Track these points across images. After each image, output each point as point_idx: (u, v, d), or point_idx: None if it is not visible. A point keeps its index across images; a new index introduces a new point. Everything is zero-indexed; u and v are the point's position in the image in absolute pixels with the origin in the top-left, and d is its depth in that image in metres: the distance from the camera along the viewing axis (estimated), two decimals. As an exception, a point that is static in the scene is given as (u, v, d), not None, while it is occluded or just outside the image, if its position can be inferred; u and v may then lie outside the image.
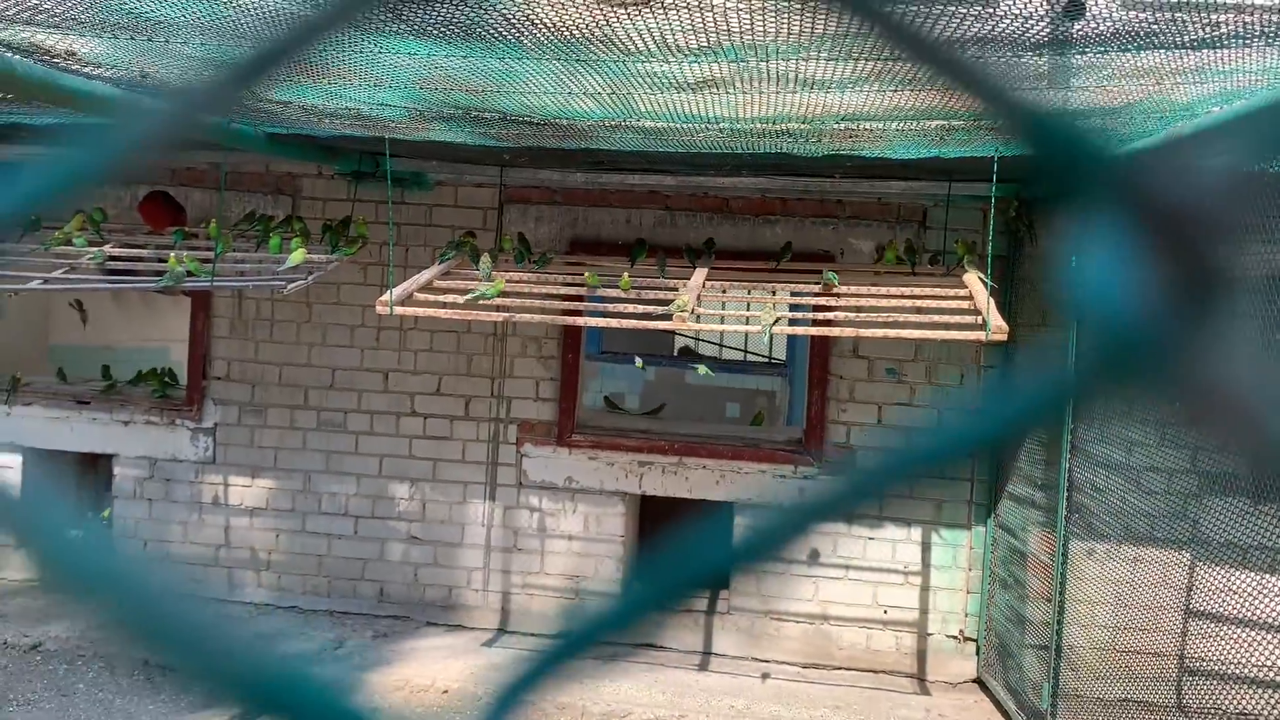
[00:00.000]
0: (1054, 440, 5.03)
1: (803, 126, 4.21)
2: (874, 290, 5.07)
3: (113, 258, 5.63)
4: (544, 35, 3.10)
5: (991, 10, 2.78)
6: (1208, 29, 2.81)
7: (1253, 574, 3.81)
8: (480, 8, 2.89)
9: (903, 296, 4.95)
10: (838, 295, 5.07)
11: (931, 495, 6.13)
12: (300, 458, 6.63)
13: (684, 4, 2.79)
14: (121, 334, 8.50)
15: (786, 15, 2.82)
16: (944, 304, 4.78)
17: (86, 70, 3.80)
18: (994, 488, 5.99)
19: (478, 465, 6.50)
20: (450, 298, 4.96)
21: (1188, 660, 4.39)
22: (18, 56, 3.46)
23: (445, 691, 5.47)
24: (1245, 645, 3.85)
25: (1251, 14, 2.71)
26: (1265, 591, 3.69)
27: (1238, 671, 3.89)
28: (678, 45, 3.13)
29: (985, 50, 3.04)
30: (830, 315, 5.16)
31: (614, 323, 4.96)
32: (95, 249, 5.58)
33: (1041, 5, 2.76)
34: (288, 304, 6.51)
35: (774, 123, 4.16)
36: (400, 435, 6.55)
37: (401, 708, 5.30)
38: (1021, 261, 5.74)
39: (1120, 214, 0.35)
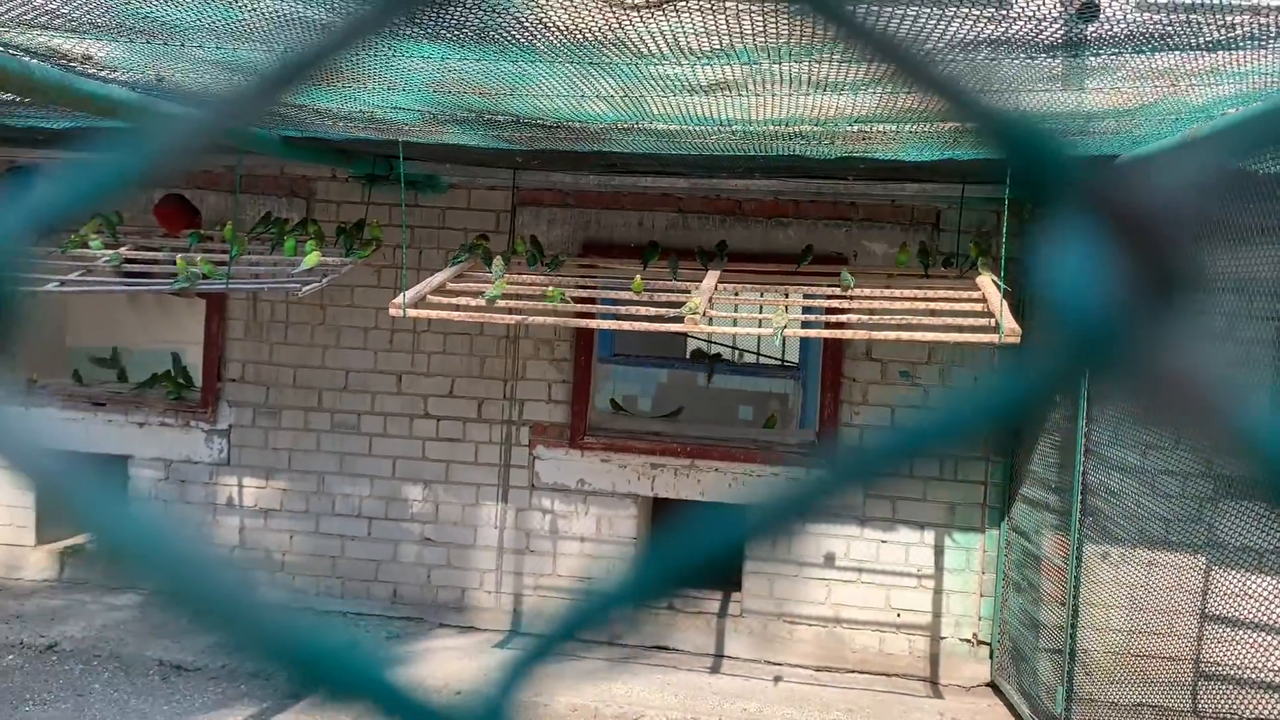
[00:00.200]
0: (1068, 443, 5.01)
1: (815, 129, 4.21)
2: (887, 293, 5.06)
3: (128, 260, 5.67)
4: (557, 38, 3.11)
5: (1005, 12, 2.77)
6: (1223, 30, 2.80)
7: (1269, 578, 3.79)
8: (494, 11, 2.90)
9: (916, 299, 4.94)
10: (850, 298, 5.06)
11: (945, 498, 6.11)
12: (314, 459, 6.66)
13: (696, 6, 2.79)
14: (137, 336, 8.54)
15: (799, 17, 2.82)
16: (957, 306, 4.76)
17: (103, 74, 3.83)
18: (1007, 491, 5.97)
19: (490, 467, 6.51)
20: (463, 300, 4.97)
21: (1203, 665, 4.36)
22: (35, 60, 3.49)
23: (458, 693, 5.48)
24: (1261, 650, 3.83)
25: (1267, 15, 2.70)
26: (1281, 596, 3.67)
27: (1253, 676, 3.87)
28: (690, 48, 3.13)
29: (999, 52, 3.04)
30: (843, 318, 5.16)
31: (626, 325, 4.96)
32: (111, 251, 5.62)
33: (1055, 7, 2.75)
34: (302, 306, 6.54)
35: (787, 125, 4.16)
36: (413, 437, 6.57)
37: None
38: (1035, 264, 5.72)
39: (1084, 214, 0.37)
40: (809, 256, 5.82)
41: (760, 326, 5.16)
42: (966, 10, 2.73)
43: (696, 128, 4.29)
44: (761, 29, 2.93)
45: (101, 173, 0.44)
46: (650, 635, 6.27)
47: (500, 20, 2.96)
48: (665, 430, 6.70)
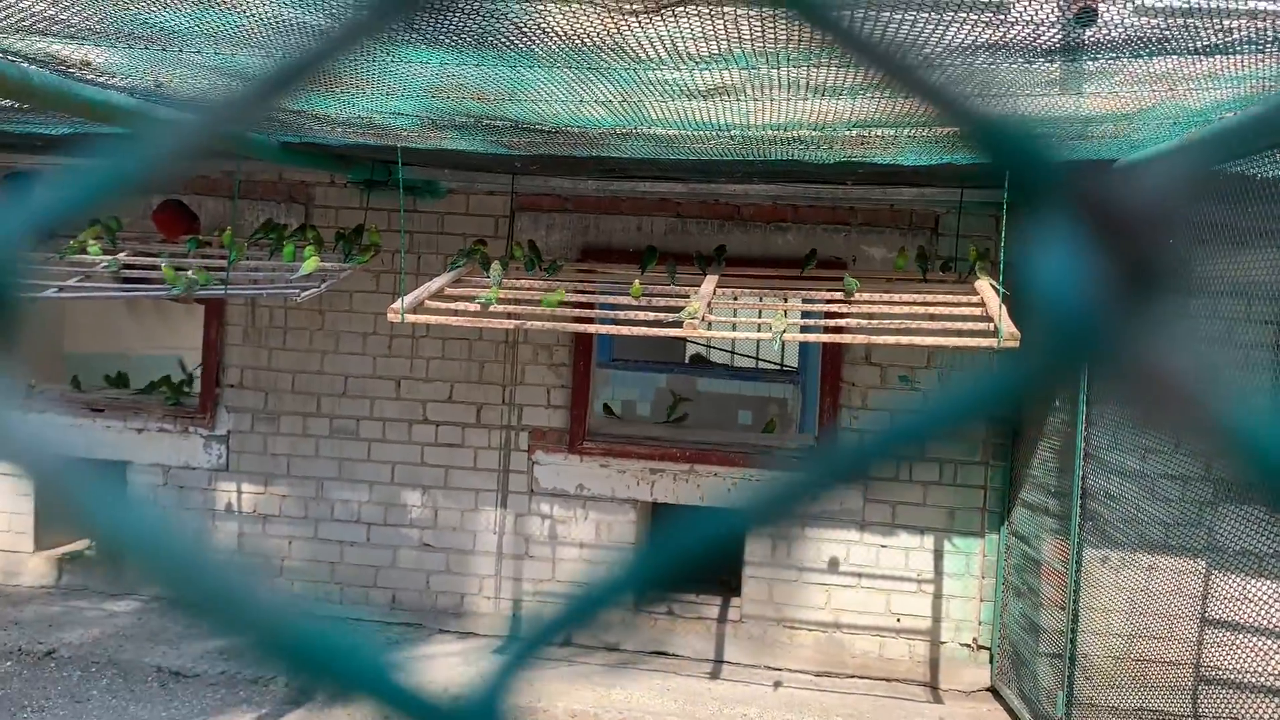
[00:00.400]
0: (1067, 447, 5.01)
1: (814, 133, 4.21)
2: (886, 297, 5.06)
3: (127, 266, 5.66)
4: (556, 43, 3.11)
5: (1003, 17, 2.77)
6: (1220, 34, 2.80)
7: (1269, 582, 3.78)
8: (493, 17, 2.90)
9: (915, 303, 4.94)
10: (849, 302, 5.06)
11: (944, 503, 6.11)
12: (313, 465, 6.65)
13: (695, 11, 2.79)
14: (136, 342, 8.54)
15: (798, 22, 2.82)
16: (956, 311, 4.76)
17: (101, 80, 3.83)
18: (1007, 495, 5.96)
19: (489, 472, 6.50)
20: (461, 305, 4.97)
21: (1203, 669, 4.36)
22: (34, 67, 3.49)
23: (457, 699, 5.46)
24: (1261, 654, 3.82)
25: (1265, 19, 2.70)
26: (1282, 600, 3.67)
27: (1254, 680, 3.86)
28: (689, 52, 3.13)
29: (997, 57, 3.04)
30: (842, 322, 5.16)
31: (625, 330, 4.96)
32: (109, 257, 5.62)
33: (1053, 12, 2.76)
34: (301, 312, 6.54)
35: (785, 129, 4.16)
36: (412, 442, 6.57)
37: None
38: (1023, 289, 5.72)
39: (1067, 213, 0.38)
40: (813, 261, 5.81)
41: (759, 331, 5.16)
42: (965, 15, 2.73)
43: (695, 133, 4.29)
44: (760, 34, 2.93)
45: (99, 177, 0.44)
46: (649, 640, 6.26)
47: (499, 26, 2.96)
48: (664, 435, 6.69)
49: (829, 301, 5.16)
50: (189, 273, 5.38)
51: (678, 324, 4.70)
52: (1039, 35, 2.88)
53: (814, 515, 6.16)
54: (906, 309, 4.90)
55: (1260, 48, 2.85)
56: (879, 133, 4.13)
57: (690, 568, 0.43)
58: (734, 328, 5.60)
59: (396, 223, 5.90)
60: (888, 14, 2.69)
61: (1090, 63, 3.17)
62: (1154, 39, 2.90)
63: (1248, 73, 3.06)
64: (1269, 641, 3.75)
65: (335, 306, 6.55)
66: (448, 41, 3.10)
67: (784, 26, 2.85)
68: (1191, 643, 4.42)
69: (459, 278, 5.35)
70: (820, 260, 5.91)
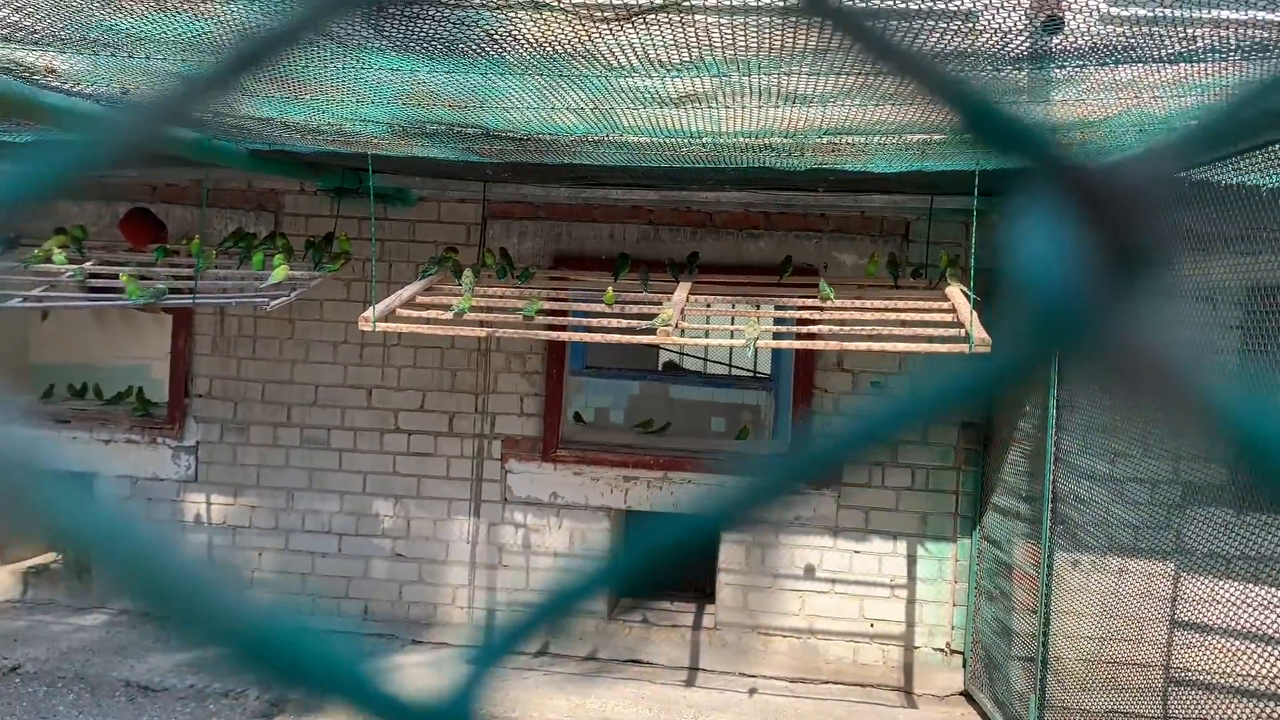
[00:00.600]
0: (1038, 451, 5.04)
1: (785, 141, 4.23)
2: (858, 304, 5.09)
3: (93, 275, 5.60)
4: (527, 51, 3.11)
5: (972, 25, 2.80)
6: (1184, 43, 2.84)
7: (1236, 584, 3.82)
8: (463, 24, 2.89)
9: (886, 310, 4.96)
10: (821, 309, 5.08)
11: (917, 508, 6.14)
12: (283, 475, 6.59)
13: (666, 19, 2.79)
14: (103, 352, 8.43)
15: (769, 30, 2.83)
16: (927, 317, 4.79)
17: (67, 87, 3.78)
18: (979, 500, 6.00)
19: (462, 482, 6.47)
20: (433, 313, 4.94)
21: (1173, 671, 4.39)
22: (-3, 73, 3.45)
23: (428, 702, 5.42)
24: (1230, 655, 3.86)
25: (1227, 28, 2.74)
26: (1249, 602, 3.71)
27: (1223, 682, 3.90)
28: (660, 60, 3.13)
29: (966, 65, 3.06)
30: (814, 329, 5.18)
31: (598, 337, 4.95)
32: (75, 266, 5.55)
33: (1020, 20, 2.78)
34: (270, 321, 6.48)
35: (757, 137, 4.17)
36: (384, 452, 6.52)
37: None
38: (1005, 274, 5.77)
39: (1053, 191, 0.38)
40: (790, 268, 5.83)
41: (732, 338, 5.16)
42: (934, 24, 2.75)
43: (667, 140, 4.30)
44: (731, 41, 2.94)
45: (11, 181, 0.43)
46: (624, 649, 6.24)
47: (469, 33, 2.95)
48: (638, 443, 6.69)
49: (801, 308, 5.18)
50: (156, 283, 5.32)
51: (651, 331, 4.70)
52: (1007, 43, 2.91)
53: (787, 520, 6.17)
54: (878, 315, 4.92)
55: (1223, 56, 2.89)
56: (849, 140, 4.15)
57: (660, 569, 0.42)
58: (707, 335, 5.61)
59: (367, 231, 5.86)
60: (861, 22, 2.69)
61: (1058, 70, 3.20)
62: (1119, 47, 2.93)
63: (1211, 80, 3.11)
64: (1237, 643, 3.79)
65: (305, 315, 6.50)
66: (418, 48, 3.09)
67: (755, 34, 2.86)
68: (1161, 645, 4.46)
69: (430, 286, 5.33)
70: (794, 267, 5.94)
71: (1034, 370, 0.40)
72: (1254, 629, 3.64)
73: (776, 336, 5.27)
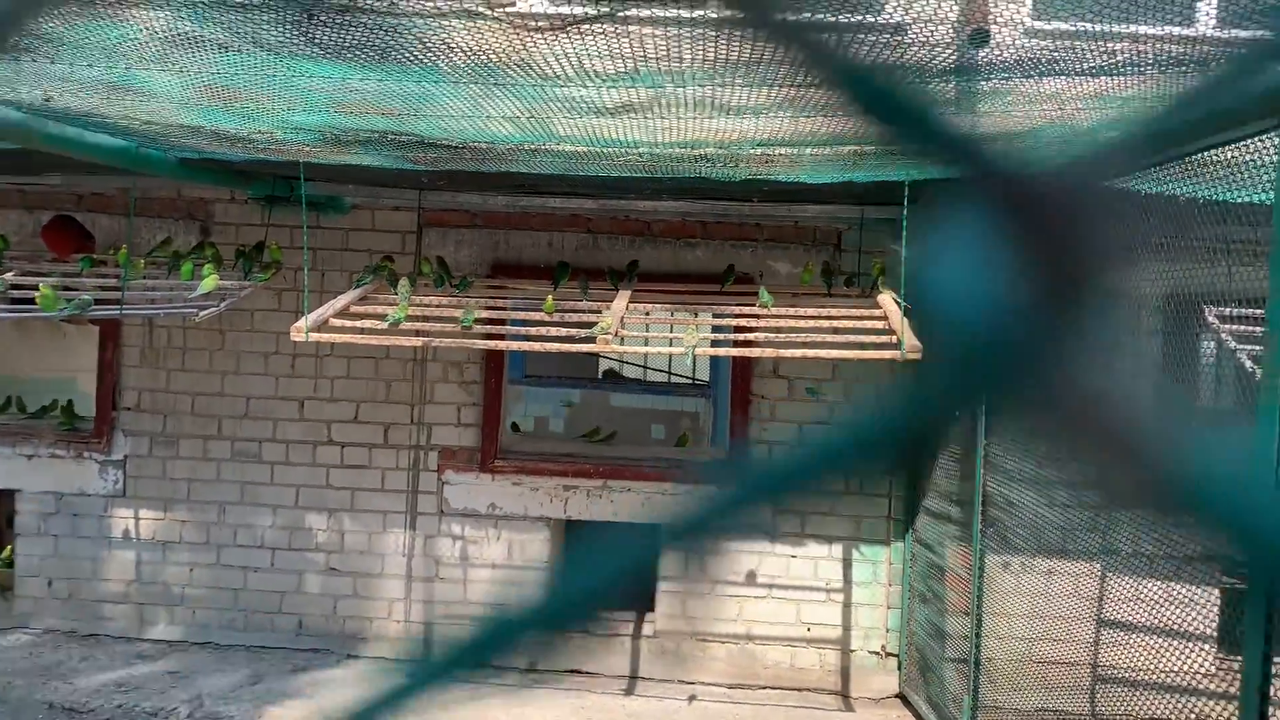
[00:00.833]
0: (968, 455, 5.14)
1: (720, 151, 4.26)
2: (793, 311, 5.15)
3: (15, 286, 5.44)
4: (461, 59, 3.10)
5: (900, 38, 2.85)
6: (1105, 56, 2.92)
7: (1159, 582, 3.93)
8: (396, 31, 2.87)
9: (821, 317, 5.03)
10: (757, 316, 5.13)
11: (852, 512, 6.21)
12: (214, 489, 6.46)
13: (600, 30, 2.81)
14: (26, 365, 8.19)
15: (703, 41, 2.86)
16: (860, 324, 4.86)
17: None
18: (913, 503, 6.09)
19: (398, 494, 6.40)
20: (367, 323, 4.89)
21: (1100, 669, 4.50)
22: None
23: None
24: (1154, 652, 3.96)
25: (1145, 43, 2.83)
26: (1172, 599, 3.81)
27: (1148, 678, 4.00)
28: (595, 70, 3.15)
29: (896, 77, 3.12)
30: (751, 336, 5.22)
31: (537, 347, 4.94)
32: (-5, 277, 5.39)
33: (948, 33, 2.85)
34: (200, 332, 6.36)
35: (692, 148, 4.20)
36: (317, 464, 6.43)
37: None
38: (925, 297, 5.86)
39: (983, 197, 0.33)
40: (732, 277, 5.89)
41: (671, 346, 5.19)
42: (864, 36, 2.80)
43: (604, 149, 4.31)
44: (665, 53, 2.96)
45: None
46: (563, 659, 6.22)
47: (402, 40, 2.93)
48: (577, 451, 6.67)
49: (739, 316, 5.22)
50: (82, 293, 5.20)
51: (591, 340, 4.70)
52: (935, 56, 2.97)
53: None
54: (813, 322, 4.98)
55: (1140, 70, 2.98)
56: (782, 151, 4.20)
57: (605, 596, 0.41)
58: (646, 343, 5.62)
59: (299, 239, 5.78)
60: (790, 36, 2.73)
61: (984, 83, 3.28)
62: (1043, 60, 3.01)
63: (1131, 93, 3.20)
64: (1161, 640, 3.89)
65: (236, 326, 6.38)
66: (349, 55, 3.06)
67: (689, 45, 2.88)
68: (1089, 643, 4.56)
69: (365, 295, 5.27)
70: (724, 276, 5.99)
71: (960, 407, 0.34)
72: (1177, 626, 3.75)
73: (714, 344, 5.30)
